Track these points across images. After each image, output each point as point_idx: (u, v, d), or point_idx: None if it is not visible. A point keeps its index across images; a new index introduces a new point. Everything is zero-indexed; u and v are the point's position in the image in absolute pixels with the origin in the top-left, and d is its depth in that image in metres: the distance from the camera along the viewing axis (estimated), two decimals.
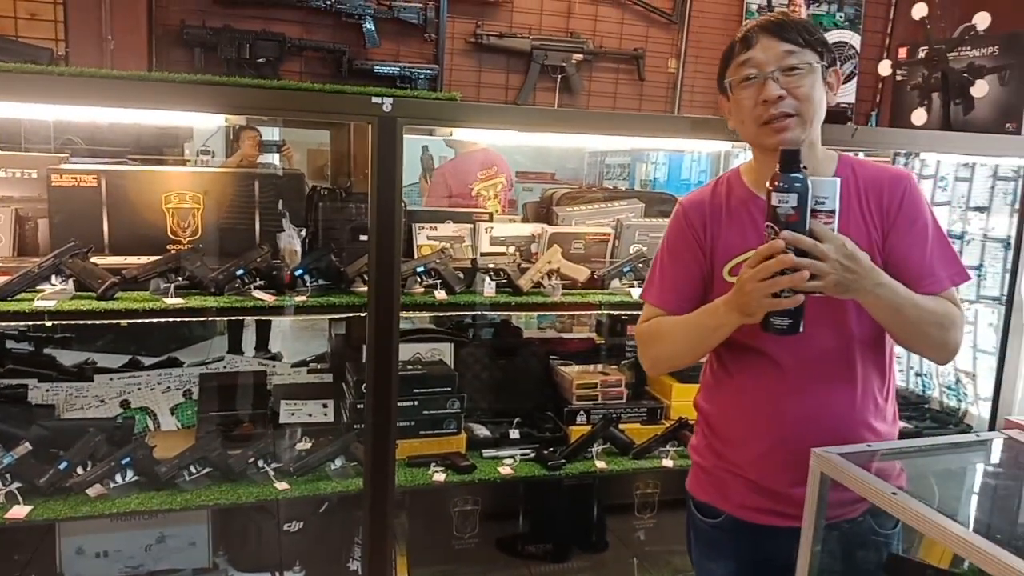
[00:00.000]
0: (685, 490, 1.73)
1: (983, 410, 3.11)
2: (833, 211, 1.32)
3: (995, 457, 1.64)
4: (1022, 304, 2.97)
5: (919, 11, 3.01)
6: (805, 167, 1.30)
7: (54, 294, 2.08)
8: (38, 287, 2.09)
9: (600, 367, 3.03)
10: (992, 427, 2.90)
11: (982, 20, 2.86)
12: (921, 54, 3.06)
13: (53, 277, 2.11)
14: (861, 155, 2.28)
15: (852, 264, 1.31)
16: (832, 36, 3.50)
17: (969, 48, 2.95)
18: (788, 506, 1.50)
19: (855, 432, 1.51)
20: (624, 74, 3.35)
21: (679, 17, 3.35)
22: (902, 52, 3.24)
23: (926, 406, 3.27)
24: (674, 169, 5.43)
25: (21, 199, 2.39)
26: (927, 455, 1.61)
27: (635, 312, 2.82)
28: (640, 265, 2.70)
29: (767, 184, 1.32)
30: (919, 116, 3.03)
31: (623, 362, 3.14)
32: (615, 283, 2.69)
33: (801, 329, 1.36)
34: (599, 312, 2.91)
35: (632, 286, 2.67)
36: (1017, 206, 2.96)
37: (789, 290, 1.31)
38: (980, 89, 2.88)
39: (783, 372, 1.52)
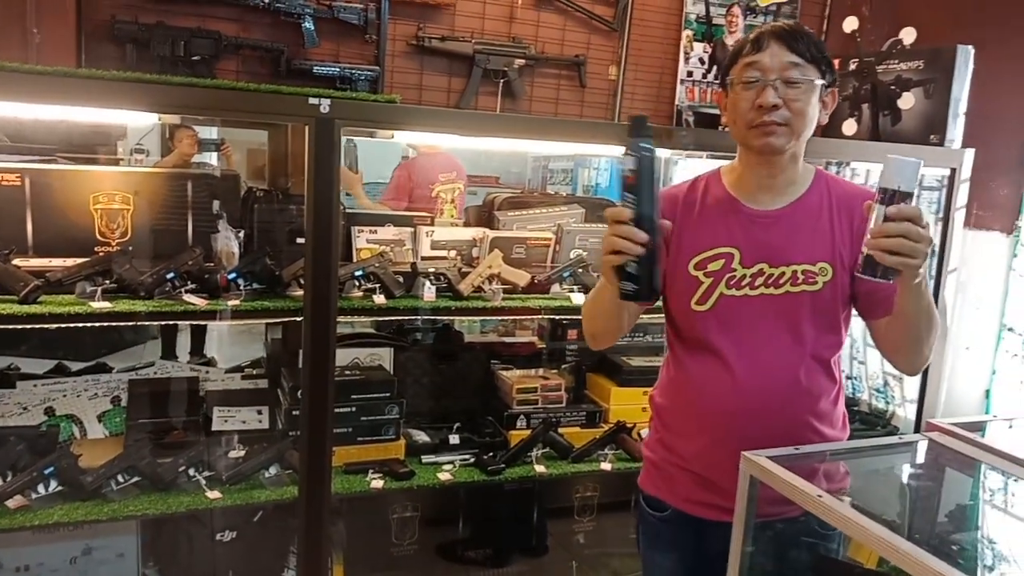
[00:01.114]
0: (632, 488, 1.77)
1: (909, 412, 3.22)
2: (910, 195, 1.28)
3: (919, 458, 1.69)
4: (945, 309, 3.08)
5: (850, 24, 3.10)
6: (650, 139, 1.33)
7: None
8: None
9: (541, 371, 3.04)
10: (917, 429, 3.01)
11: (908, 35, 2.96)
12: (852, 66, 3.16)
13: None
14: None
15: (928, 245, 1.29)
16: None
17: (897, 61, 3.05)
18: (731, 501, 1.53)
19: (801, 434, 1.55)
20: (566, 80, 3.37)
21: (620, 25, 3.38)
22: (835, 64, 3.33)
23: (855, 408, 3.37)
24: (615, 175, 5.49)
25: None
26: (855, 457, 1.66)
27: (576, 316, 2.86)
28: (580, 270, 2.72)
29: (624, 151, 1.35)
30: (849, 127, 3.13)
31: (563, 366, 3.16)
32: (555, 288, 2.70)
33: (650, 299, 1.41)
34: (540, 317, 2.92)
35: (572, 291, 2.69)
36: (941, 215, 3.08)
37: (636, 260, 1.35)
38: (907, 101, 2.98)
39: (732, 370, 1.55)
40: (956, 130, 2.96)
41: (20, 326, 1.98)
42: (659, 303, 1.66)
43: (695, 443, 1.61)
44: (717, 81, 3.59)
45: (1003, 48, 3.14)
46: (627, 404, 2.91)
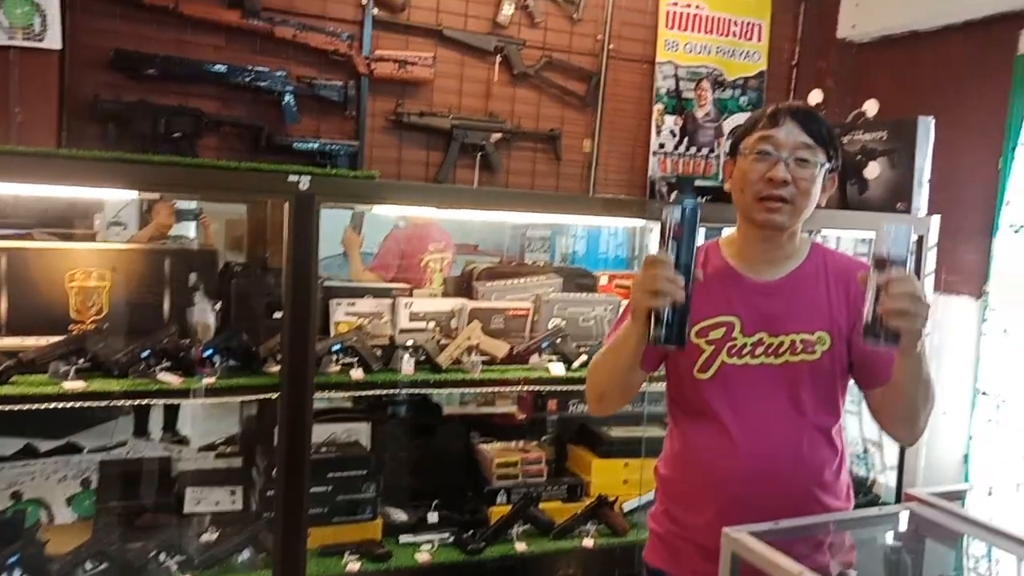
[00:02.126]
0: (616, 564, 1.74)
1: (890, 479, 3.22)
2: (904, 263, 1.32)
3: (900, 528, 1.69)
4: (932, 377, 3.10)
5: (815, 97, 3.20)
6: (696, 198, 1.37)
7: None
8: None
9: (522, 443, 3.01)
10: (899, 497, 3.00)
11: (871, 107, 3.06)
12: None
13: None
14: None
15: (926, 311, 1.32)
16: (736, 119, 3.70)
17: (862, 132, 3.14)
18: None
19: (806, 506, 1.54)
20: (542, 153, 3.44)
21: (592, 100, 3.48)
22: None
23: None
24: (592, 243, 5.55)
25: None
26: (836, 529, 1.65)
27: (555, 388, 2.86)
28: (559, 340, 2.72)
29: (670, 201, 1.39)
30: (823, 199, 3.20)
31: (544, 438, 3.13)
32: (534, 358, 2.70)
33: (680, 345, 1.40)
34: (522, 389, 2.91)
35: (552, 361, 2.69)
36: None
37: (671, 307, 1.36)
38: (872, 171, 3.06)
39: (734, 439, 1.55)
40: (921, 198, 3.03)
41: None
42: (660, 372, 1.68)
43: (700, 515, 1.59)
44: (689, 153, 3.68)
45: (961, 119, 3.26)
46: (609, 476, 2.88)
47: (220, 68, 2.87)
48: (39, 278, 2.29)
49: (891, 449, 3.23)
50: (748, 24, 3.72)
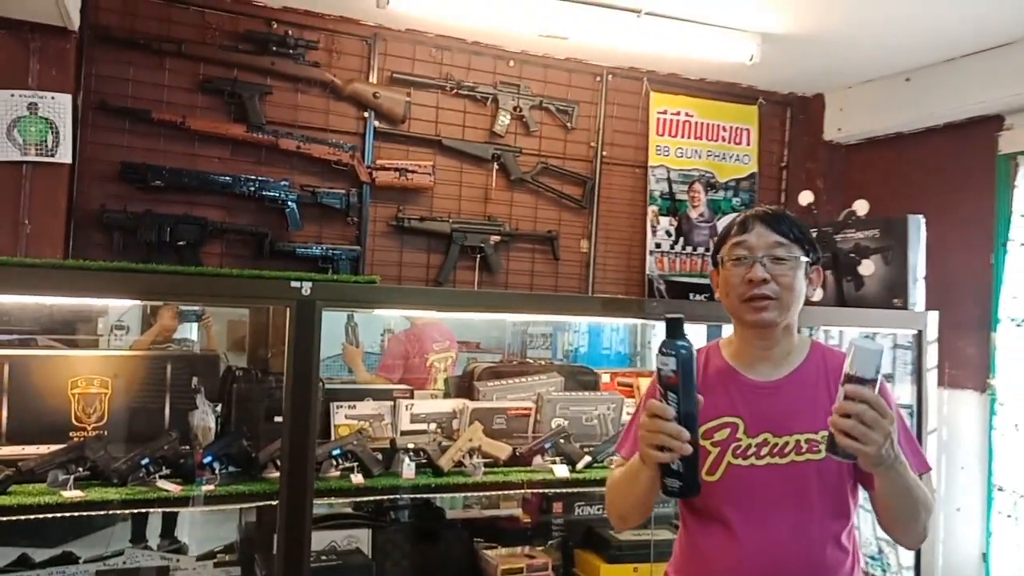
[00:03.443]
0: None
1: None
2: (874, 380, 1.32)
3: None
4: (930, 475, 3.06)
5: (805, 198, 3.30)
6: (686, 336, 1.37)
7: None
8: None
9: (527, 549, 2.94)
10: None
11: (861, 207, 3.14)
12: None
13: None
14: None
15: (892, 433, 1.32)
16: (728, 219, 3.78)
17: (854, 230, 3.21)
18: None
19: None
20: (540, 253, 3.51)
21: (588, 203, 3.57)
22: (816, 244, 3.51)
23: None
24: (594, 339, 5.56)
25: None
26: None
27: (559, 490, 2.82)
28: (561, 440, 2.70)
29: (659, 348, 1.39)
30: (816, 293, 3.24)
31: (550, 543, 3.06)
32: (537, 460, 2.67)
33: (695, 495, 1.41)
34: (526, 491, 2.87)
35: (555, 462, 2.66)
36: (915, 375, 3.13)
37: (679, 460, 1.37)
38: (867, 268, 3.12)
39: (741, 542, 1.53)
40: (917, 293, 3.07)
41: None
42: None
43: None
44: (685, 252, 3.75)
45: (951, 215, 3.34)
46: None
47: (225, 179, 2.97)
48: (41, 386, 2.31)
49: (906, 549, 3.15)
50: (737, 129, 3.85)
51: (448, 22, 3.18)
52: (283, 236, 3.06)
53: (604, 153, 3.61)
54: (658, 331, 3.44)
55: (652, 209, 3.69)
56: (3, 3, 2.57)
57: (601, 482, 2.49)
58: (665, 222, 3.71)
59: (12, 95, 2.67)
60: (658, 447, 1.37)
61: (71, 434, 2.28)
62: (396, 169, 3.20)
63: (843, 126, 3.85)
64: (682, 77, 3.74)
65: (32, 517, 2.00)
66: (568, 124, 3.53)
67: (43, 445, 2.17)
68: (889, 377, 3.31)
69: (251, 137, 3.01)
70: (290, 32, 3.09)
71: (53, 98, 2.72)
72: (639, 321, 3.17)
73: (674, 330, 1.38)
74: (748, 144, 3.88)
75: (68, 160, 2.74)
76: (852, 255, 3.18)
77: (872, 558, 3.36)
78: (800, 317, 2.91)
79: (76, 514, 2.05)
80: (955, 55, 3.27)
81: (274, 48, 3.06)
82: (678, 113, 3.74)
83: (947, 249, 3.29)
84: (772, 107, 3.95)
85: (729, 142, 3.85)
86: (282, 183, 3.04)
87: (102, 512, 2.11)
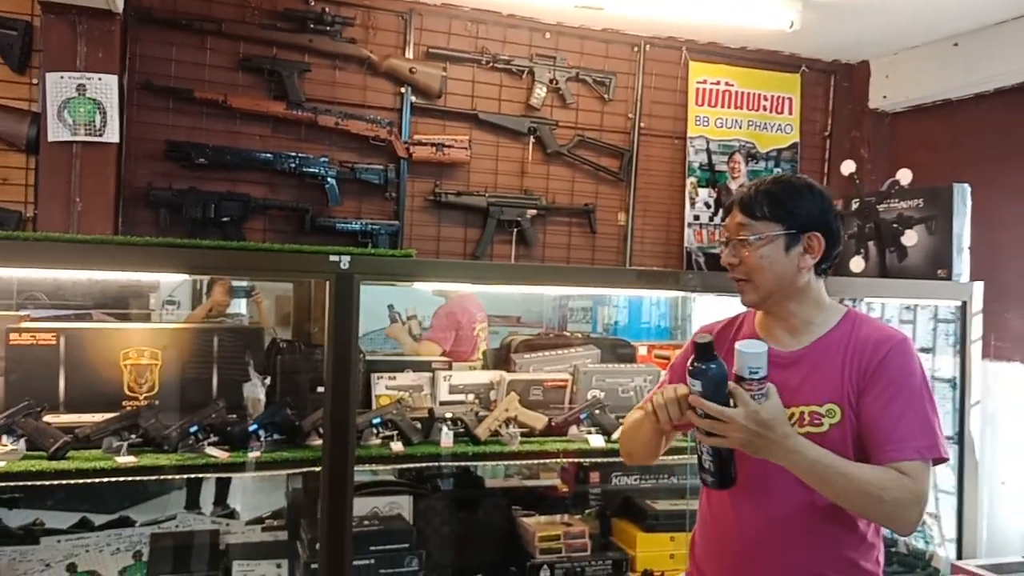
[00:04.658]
0: None
1: (950, 551, 3.10)
2: (763, 379, 1.43)
3: None
4: (972, 444, 3.03)
5: (847, 167, 3.24)
6: (717, 358, 1.45)
7: (4, 455, 2.06)
8: None
9: (565, 517, 2.98)
10: None
11: (904, 176, 3.08)
12: (854, 206, 3.27)
13: (4, 437, 2.10)
14: None
15: (762, 429, 1.41)
16: None
17: (897, 200, 3.15)
18: None
19: None
20: (577, 227, 3.52)
21: (626, 175, 3.56)
22: (837, 204, 3.45)
23: (893, 549, 3.25)
24: (634, 312, 5.56)
25: None
26: None
27: (596, 460, 2.85)
28: (597, 411, 2.73)
29: (689, 366, 1.47)
30: (857, 264, 3.20)
31: (587, 511, 3.10)
32: (573, 430, 2.70)
33: (728, 486, 1.50)
34: (561, 461, 2.91)
35: (591, 432, 2.69)
36: (959, 346, 3.08)
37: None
38: (910, 238, 3.06)
39: (739, 508, 1.58)
40: (962, 264, 3.01)
41: (48, 482, 2.03)
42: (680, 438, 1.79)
43: None
44: (723, 224, 3.72)
45: (1000, 184, 3.25)
46: (654, 551, 2.83)
47: (267, 156, 3.03)
48: (95, 358, 2.40)
49: (949, 520, 3.12)
50: (779, 98, 3.79)
51: None
52: (323, 211, 3.12)
53: (642, 124, 3.59)
54: (699, 301, 3.43)
55: (691, 181, 3.66)
56: None
57: None
58: (704, 194, 3.68)
59: (61, 77, 2.75)
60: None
61: (124, 403, 2.37)
62: (433, 144, 3.23)
63: (889, 94, 3.76)
64: (722, 46, 3.68)
65: (92, 482, 2.10)
66: (605, 96, 3.52)
67: (97, 414, 2.27)
68: (930, 350, 3.26)
69: (291, 114, 3.06)
70: (327, 9, 3.12)
71: (100, 79, 2.79)
72: (679, 294, 3.16)
73: (704, 356, 1.44)
74: (790, 113, 3.82)
75: (116, 139, 2.82)
76: (895, 225, 3.13)
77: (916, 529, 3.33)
78: (841, 288, 2.90)
79: (133, 480, 2.15)
80: (1006, 17, 3.16)
81: (312, 25, 3.09)
82: (718, 83, 3.69)
83: (994, 219, 3.21)
84: (815, 75, 3.87)
85: (770, 111, 3.79)
86: (322, 159, 3.09)
87: (154, 477, 2.20)
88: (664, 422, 1.51)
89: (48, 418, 2.19)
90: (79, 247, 2.08)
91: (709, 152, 3.68)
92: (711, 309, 2.57)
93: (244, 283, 4.54)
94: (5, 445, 2.08)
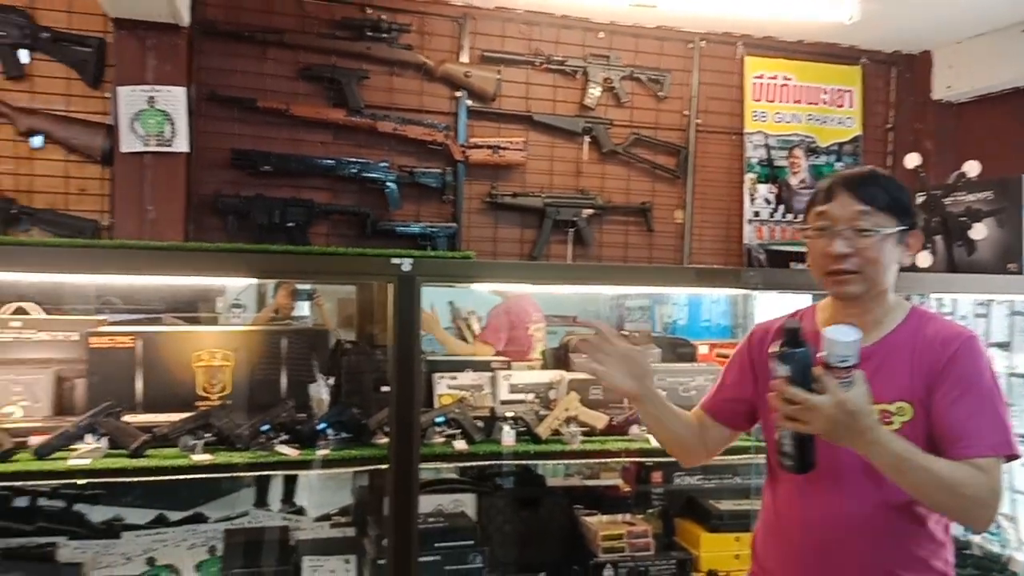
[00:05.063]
0: None
1: None
2: (850, 367, 1.38)
3: None
4: (999, 460, 2.92)
5: (912, 160, 3.17)
6: (804, 341, 1.40)
7: (88, 452, 2.15)
8: (73, 446, 2.16)
9: (628, 516, 2.98)
10: None
11: (972, 168, 3.00)
12: (920, 200, 3.19)
13: (88, 435, 2.19)
14: None
15: (847, 419, 1.36)
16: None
17: (964, 193, 3.07)
18: None
19: None
20: (633, 225, 3.51)
21: (683, 172, 3.54)
22: (912, 206, 3.38)
23: (967, 552, 3.16)
24: (694, 311, 5.51)
25: (61, 360, 2.50)
26: None
27: (657, 459, 2.83)
28: None
29: (770, 349, 1.42)
30: (924, 259, 3.12)
31: (649, 511, 3.09)
32: (634, 429, 2.70)
33: (807, 470, 1.44)
34: (623, 460, 2.90)
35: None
36: None
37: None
38: (979, 232, 2.98)
39: (806, 507, 1.56)
40: None
41: (129, 479, 2.11)
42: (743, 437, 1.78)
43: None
44: (786, 220, 3.67)
45: None
46: (719, 551, 2.81)
47: (328, 162, 3.11)
48: (169, 360, 2.49)
49: None
50: (838, 91, 3.73)
51: None
52: (383, 215, 3.18)
53: (698, 121, 3.57)
54: (760, 300, 3.39)
55: (749, 177, 3.63)
56: (122, 6, 2.75)
57: None
58: (764, 189, 3.64)
59: (133, 90, 2.86)
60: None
61: (197, 403, 2.45)
62: (488, 146, 3.27)
63: (953, 83, 3.66)
64: (778, 40, 3.64)
65: (168, 480, 2.18)
66: (660, 93, 3.51)
67: (172, 413, 2.35)
68: (1007, 345, 3.16)
69: (351, 121, 3.13)
70: (383, 17, 3.18)
71: (169, 91, 2.90)
72: (740, 292, 3.14)
73: (792, 341, 1.40)
74: (851, 106, 3.75)
75: (185, 149, 2.93)
76: (963, 219, 3.04)
77: (991, 532, 3.23)
78: (909, 284, 2.84)
79: (205, 477, 2.22)
80: None
81: (369, 33, 3.16)
82: (775, 77, 3.65)
83: None
84: (876, 67, 3.79)
85: (830, 105, 3.73)
86: (381, 164, 3.16)
87: (228, 475, 2.27)
88: None
89: (126, 418, 2.28)
90: (153, 254, 2.16)
91: (768, 147, 3.64)
92: (773, 306, 2.54)
93: (306, 286, 4.65)
94: (88, 443, 2.17)
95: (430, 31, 3.29)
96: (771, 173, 3.65)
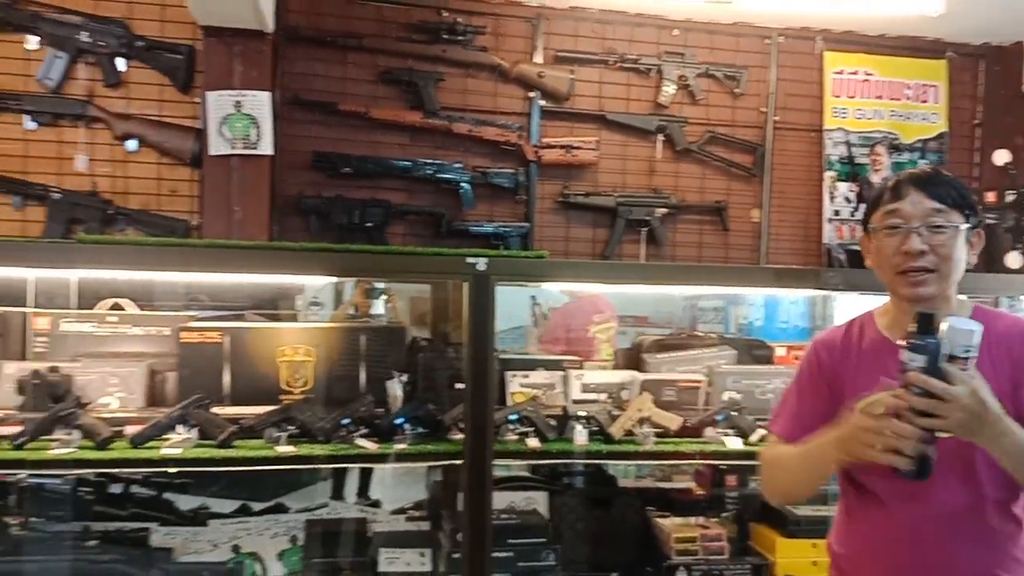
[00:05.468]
0: None
1: None
2: (970, 358, 1.34)
3: None
4: None
5: (1001, 157, 3.06)
6: (936, 331, 1.35)
7: (179, 442, 2.26)
8: (165, 435, 2.28)
9: (701, 519, 2.95)
10: None
11: None
12: (1009, 198, 3.07)
13: (179, 426, 2.29)
14: None
15: (980, 409, 1.31)
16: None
17: None
18: None
19: None
20: (708, 225, 3.47)
21: (760, 171, 3.48)
22: (990, 197, 3.26)
23: None
24: (771, 312, 5.40)
25: (154, 354, 2.63)
26: None
27: (732, 463, 2.80)
28: (734, 413, 2.68)
29: (900, 340, 1.37)
30: (1014, 259, 3.01)
31: (723, 515, 3.05)
32: (709, 431, 2.67)
33: (925, 476, 1.37)
34: (697, 462, 2.87)
35: (727, 434, 2.65)
36: None
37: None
38: None
39: (900, 518, 1.51)
40: None
41: (217, 468, 2.21)
42: None
43: None
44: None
45: None
46: (796, 557, 2.75)
47: (405, 163, 3.18)
48: (255, 354, 2.59)
49: None
50: (923, 87, 3.61)
51: None
52: (458, 215, 3.23)
53: (776, 118, 3.50)
54: (839, 302, 3.31)
55: (829, 175, 3.54)
56: (210, 14, 2.87)
57: None
58: (844, 188, 3.55)
59: (220, 95, 2.98)
60: (886, 448, 1.34)
61: (280, 397, 2.54)
62: (561, 146, 3.28)
63: None
64: (859, 34, 3.54)
65: (250, 470, 2.27)
66: (736, 90, 3.46)
67: (257, 407, 2.44)
68: None
69: (427, 123, 3.18)
70: (458, 19, 3.23)
71: (254, 96, 3.00)
72: (820, 293, 3.07)
73: (925, 326, 1.36)
74: (936, 102, 3.62)
75: (269, 152, 3.03)
76: None
77: None
78: (999, 285, 2.75)
79: (288, 468, 2.31)
80: None
81: (444, 36, 3.21)
82: (856, 72, 3.56)
83: None
84: (962, 60, 3.65)
85: (914, 100, 3.61)
86: (456, 165, 3.21)
87: (309, 467, 2.35)
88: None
89: (214, 410, 2.38)
90: (242, 252, 2.26)
91: (849, 144, 3.54)
92: (854, 308, 2.48)
93: (380, 285, 4.73)
94: (180, 434, 2.27)
95: (504, 32, 3.32)
96: (852, 171, 3.56)
